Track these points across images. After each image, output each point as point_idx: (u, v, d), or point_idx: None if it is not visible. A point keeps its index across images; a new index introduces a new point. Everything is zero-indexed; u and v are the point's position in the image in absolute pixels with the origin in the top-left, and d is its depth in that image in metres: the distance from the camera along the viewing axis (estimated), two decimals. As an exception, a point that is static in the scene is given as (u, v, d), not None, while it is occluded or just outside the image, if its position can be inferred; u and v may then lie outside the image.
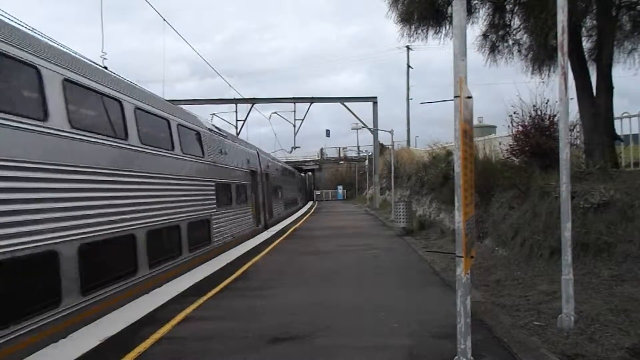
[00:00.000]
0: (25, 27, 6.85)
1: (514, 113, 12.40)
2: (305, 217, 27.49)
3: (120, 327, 5.76)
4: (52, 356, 4.88)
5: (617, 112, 10.94)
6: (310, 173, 65.45)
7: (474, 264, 8.16)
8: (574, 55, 10.22)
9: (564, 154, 5.64)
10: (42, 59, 6.01)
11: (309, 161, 63.32)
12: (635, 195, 7.71)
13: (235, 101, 34.49)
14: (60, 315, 5.72)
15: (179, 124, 10.66)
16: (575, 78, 10.86)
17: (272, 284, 8.46)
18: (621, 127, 10.94)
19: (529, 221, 9.45)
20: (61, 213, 5.96)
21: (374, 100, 34.59)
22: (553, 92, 11.20)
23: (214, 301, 7.22)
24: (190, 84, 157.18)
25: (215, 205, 12.35)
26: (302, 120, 35.92)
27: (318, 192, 63.51)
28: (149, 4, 11.88)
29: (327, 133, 50.95)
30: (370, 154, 42.64)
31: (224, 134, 15.53)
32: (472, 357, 4.00)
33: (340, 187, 62.74)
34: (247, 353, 4.88)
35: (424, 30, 13.17)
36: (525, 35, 12.55)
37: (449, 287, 7.46)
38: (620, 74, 13.53)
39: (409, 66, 40.68)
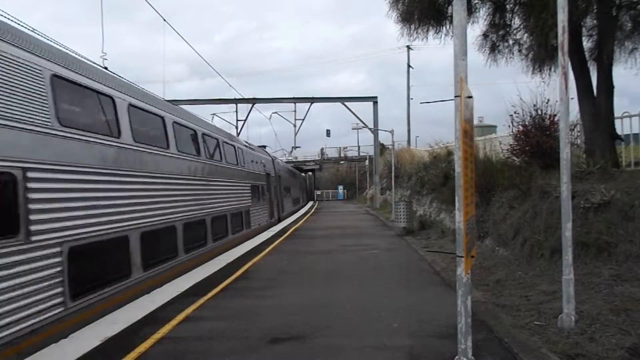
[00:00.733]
0: (25, 27, 6.84)
1: (515, 113, 12.39)
2: (306, 217, 27.49)
3: (121, 327, 5.77)
4: (53, 356, 4.89)
5: (617, 112, 10.95)
6: (310, 173, 65.45)
7: (475, 263, 8.16)
8: (574, 55, 10.21)
9: (565, 153, 5.64)
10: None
11: (310, 161, 63.33)
12: (635, 195, 7.70)
13: (236, 101, 34.51)
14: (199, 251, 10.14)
15: (224, 142, 14.54)
16: (576, 78, 10.85)
17: (272, 284, 8.46)
18: (622, 127, 10.93)
19: (529, 221, 9.44)
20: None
21: (374, 100, 34.59)
22: (554, 91, 11.17)
23: (215, 301, 7.23)
24: (191, 84, 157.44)
25: (250, 201, 16.69)
26: (303, 120, 36.00)
27: (318, 192, 63.52)
28: (149, 4, 11.87)
29: (328, 133, 51.02)
30: (370, 154, 42.65)
31: (252, 147, 20.53)
32: (472, 357, 3.99)
33: (340, 187, 62.75)
34: (247, 353, 4.88)
35: (424, 30, 13.17)
36: (526, 35, 12.53)
37: (449, 286, 7.47)
38: (621, 73, 13.52)
39: (409, 66, 40.71)
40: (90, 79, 7.20)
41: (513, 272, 8.47)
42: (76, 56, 7.67)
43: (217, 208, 12.49)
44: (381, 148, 38.21)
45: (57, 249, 5.74)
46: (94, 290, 6.46)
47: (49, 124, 5.80)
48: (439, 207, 17.30)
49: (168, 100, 11.89)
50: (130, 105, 8.14)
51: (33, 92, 5.62)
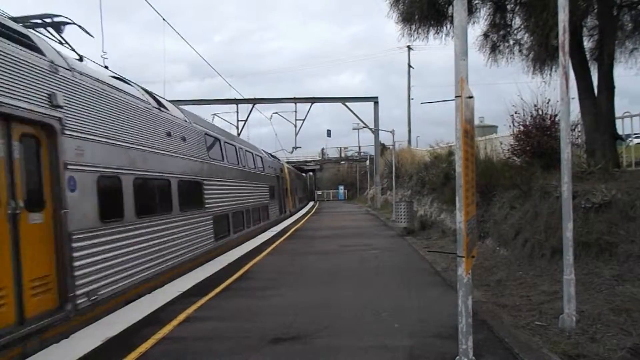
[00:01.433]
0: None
1: (515, 113, 12.40)
2: (307, 217, 27.50)
3: (122, 327, 5.78)
4: (54, 356, 4.89)
5: (618, 112, 10.95)
6: (311, 173, 65.47)
7: (475, 264, 8.15)
8: (575, 55, 10.21)
9: (565, 153, 5.63)
10: (219, 134, 14.41)
11: (310, 161, 63.34)
12: (636, 195, 7.69)
13: (236, 101, 34.50)
14: (229, 239, 13.47)
15: (255, 154, 20.13)
16: (577, 78, 10.85)
17: (273, 284, 8.46)
18: (622, 127, 10.93)
19: (530, 221, 9.44)
20: (231, 199, 14.22)
21: (375, 100, 34.58)
22: (554, 91, 11.18)
23: (215, 301, 7.23)
24: (191, 85, 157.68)
25: (269, 198, 21.48)
26: (303, 120, 35.93)
27: (319, 192, 63.53)
28: (149, 4, 11.87)
29: (328, 133, 50.92)
30: (371, 154, 42.65)
31: (271, 154, 27.28)
32: (473, 357, 3.99)
33: (341, 187, 62.75)
34: (248, 353, 4.88)
35: (425, 30, 13.18)
36: (526, 35, 12.54)
37: (450, 287, 7.47)
38: (622, 73, 13.54)
39: (410, 66, 40.62)
40: (214, 132, 14.01)
41: (514, 272, 8.47)
42: (208, 121, 15.51)
43: (250, 202, 17.36)
44: (382, 148, 38.22)
45: (211, 216, 11.88)
46: (221, 238, 12.65)
47: (206, 157, 12.10)
48: (440, 207, 17.29)
49: (170, 101, 11.89)
50: (225, 142, 14.83)
51: (202, 143, 11.98)
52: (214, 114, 34.78)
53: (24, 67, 5.45)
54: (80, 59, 7.64)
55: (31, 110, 5.44)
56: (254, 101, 34.87)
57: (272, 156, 28.23)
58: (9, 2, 9.45)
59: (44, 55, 5.93)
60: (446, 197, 15.74)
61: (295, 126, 36.09)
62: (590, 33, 11.96)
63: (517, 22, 12.69)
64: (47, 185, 5.74)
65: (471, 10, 12.25)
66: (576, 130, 11.61)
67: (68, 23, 7.56)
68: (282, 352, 4.93)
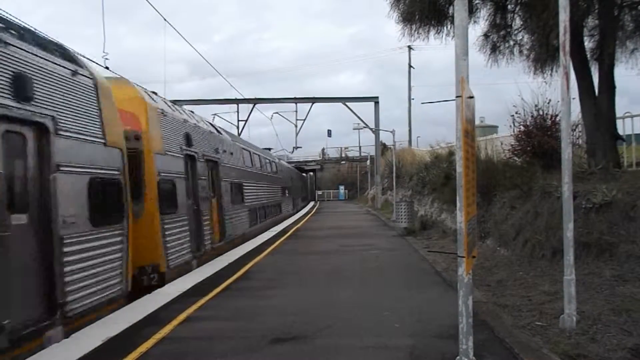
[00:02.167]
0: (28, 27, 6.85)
1: (516, 113, 12.40)
2: (307, 217, 27.52)
3: (122, 327, 5.78)
4: (55, 355, 4.89)
5: (618, 112, 10.94)
6: (312, 173, 65.47)
7: (476, 264, 8.15)
8: (576, 55, 10.19)
9: (566, 153, 5.63)
10: (249, 148, 20.15)
11: (311, 161, 63.34)
12: (637, 195, 7.69)
13: (237, 101, 34.53)
14: (256, 227, 17.69)
15: (271, 160, 25.76)
16: (577, 78, 10.84)
17: (273, 284, 8.47)
18: (623, 127, 10.92)
19: (530, 221, 9.43)
20: (260, 195, 19.75)
21: (375, 100, 34.61)
22: (555, 92, 11.18)
23: (216, 301, 7.23)
24: (191, 84, 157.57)
25: (282, 196, 27.23)
26: (304, 120, 36.03)
27: (320, 192, 63.55)
28: (149, 4, 11.87)
29: (329, 133, 51.04)
30: (371, 154, 42.64)
31: (284, 159, 34.65)
32: (474, 358, 3.99)
33: (341, 187, 62.77)
34: (248, 353, 4.88)
35: (425, 30, 13.17)
36: (527, 35, 12.54)
37: (450, 287, 7.46)
38: (621, 73, 13.52)
39: (410, 66, 40.62)
40: (246, 147, 19.15)
41: (514, 272, 8.47)
42: (241, 138, 23.58)
43: (270, 199, 22.63)
44: (382, 148, 38.20)
45: (247, 208, 16.43)
46: (256, 223, 17.82)
47: (244, 166, 16.78)
48: (440, 207, 17.29)
49: (171, 101, 11.91)
50: (252, 152, 19.76)
51: (240, 156, 16.70)
52: (215, 114, 34.80)
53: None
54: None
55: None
56: (255, 101, 34.90)
57: (284, 161, 37.79)
58: (9, 1, 9.46)
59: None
60: (447, 197, 15.73)
61: (296, 126, 36.20)
62: (591, 33, 11.95)
63: (518, 22, 12.69)
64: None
65: (472, 11, 12.24)
66: (577, 130, 11.60)
67: None
68: (282, 352, 4.93)
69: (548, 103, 11.71)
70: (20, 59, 5.21)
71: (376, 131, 34.33)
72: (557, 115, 11.29)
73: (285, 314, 6.34)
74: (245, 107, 34.94)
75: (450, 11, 12.24)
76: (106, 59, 9.67)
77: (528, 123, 11.96)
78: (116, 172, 7.09)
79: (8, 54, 5.01)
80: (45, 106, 5.52)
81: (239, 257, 11.66)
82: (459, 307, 3.94)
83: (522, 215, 9.93)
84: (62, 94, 5.90)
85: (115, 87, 7.78)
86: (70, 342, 5.28)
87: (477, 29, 13.31)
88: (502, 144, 14.82)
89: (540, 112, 11.85)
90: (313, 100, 35.33)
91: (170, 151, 9.50)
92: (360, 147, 60.78)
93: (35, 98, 5.36)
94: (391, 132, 27.92)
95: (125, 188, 7.27)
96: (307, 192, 55.96)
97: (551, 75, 12.58)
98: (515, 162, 12.63)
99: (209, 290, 7.91)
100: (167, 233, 8.91)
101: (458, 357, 4.00)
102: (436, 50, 54.16)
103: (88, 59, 8.04)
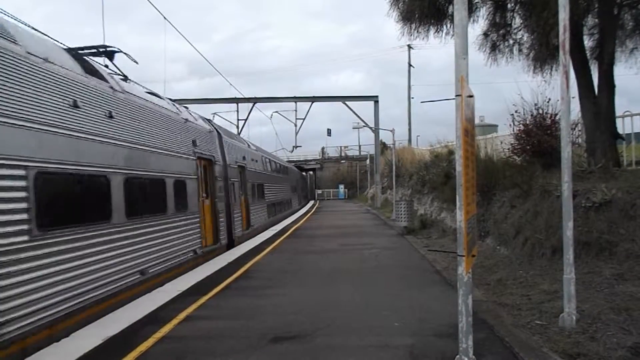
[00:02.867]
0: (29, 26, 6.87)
1: (516, 112, 12.38)
2: (307, 216, 27.52)
3: (122, 326, 5.78)
4: (54, 355, 4.90)
5: (618, 111, 10.94)
6: (311, 172, 65.46)
7: (476, 263, 8.15)
8: (575, 54, 10.19)
9: (566, 152, 5.63)
10: (268, 155, 26.17)
11: (311, 160, 63.32)
12: (637, 194, 7.69)
13: (237, 100, 34.47)
14: (274, 217, 22.78)
15: (283, 165, 31.54)
16: (577, 77, 10.84)
17: (273, 283, 8.47)
18: (623, 126, 10.93)
19: (530, 220, 9.44)
20: (276, 193, 24.88)
21: (375, 99, 34.56)
22: (554, 90, 11.17)
23: (216, 300, 7.23)
24: (190, 84, 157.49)
25: (291, 194, 32.78)
26: (303, 119, 35.92)
27: (319, 192, 63.51)
28: (150, 3, 11.86)
29: (329, 132, 50.84)
30: (371, 153, 42.63)
31: (291, 162, 44.69)
32: (473, 357, 3.99)
33: (341, 187, 62.70)
34: (248, 352, 4.89)
35: (425, 29, 13.17)
36: (527, 34, 12.53)
37: (450, 286, 7.47)
38: (622, 72, 13.52)
39: (410, 65, 40.60)
40: (265, 154, 24.66)
41: (514, 271, 8.47)
42: (261, 147, 25.59)
43: (282, 196, 27.53)
44: (382, 147, 38.17)
45: (266, 204, 21.01)
46: (275, 214, 23.20)
47: (264, 170, 22.11)
48: (440, 206, 17.30)
49: (171, 100, 11.95)
50: (270, 159, 25.46)
51: (261, 162, 21.89)
52: (214, 113, 34.73)
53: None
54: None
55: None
56: (254, 100, 34.85)
57: (296, 166, 46.80)
58: (9, 1, 9.46)
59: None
60: (446, 196, 15.73)
61: (296, 125, 36.10)
62: (591, 32, 11.95)
63: (518, 21, 12.68)
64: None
65: (471, 10, 12.24)
66: (576, 129, 11.60)
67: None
68: (282, 351, 4.94)
69: (548, 102, 11.70)
70: (196, 129, 11.90)
71: (376, 130, 34.30)
72: (556, 114, 11.28)
73: (285, 312, 6.34)
74: (245, 106, 34.88)
75: (450, 10, 12.24)
76: (106, 58, 9.72)
77: (528, 122, 11.94)
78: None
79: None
80: (211, 150, 12.62)
81: (238, 256, 11.66)
82: (458, 306, 3.95)
83: (522, 214, 9.94)
84: (211, 142, 12.94)
85: (199, 124, 12.61)
86: (70, 340, 5.28)
87: (476, 28, 13.33)
88: (501, 143, 14.83)
89: (540, 111, 11.83)
90: (313, 99, 35.27)
91: (231, 164, 14.62)
92: (360, 146, 60.83)
93: (209, 147, 12.55)
94: (391, 131, 27.90)
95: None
96: (308, 191, 56.25)
97: (551, 74, 12.59)
98: (514, 161, 12.63)
99: (208, 289, 7.92)
100: (235, 217, 14.37)
101: (458, 356, 4.00)
102: (435, 49, 54.22)
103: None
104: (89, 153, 6.48)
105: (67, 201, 6.07)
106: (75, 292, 5.86)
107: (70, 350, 4.96)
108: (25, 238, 5.09)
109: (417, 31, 13.25)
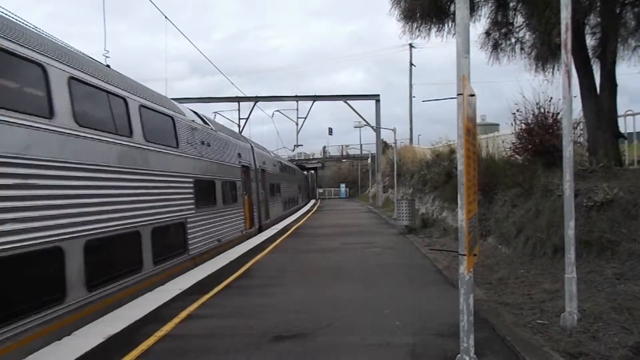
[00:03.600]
0: (29, 26, 6.87)
1: (517, 111, 12.37)
2: (308, 215, 27.53)
3: (124, 325, 5.80)
4: (56, 353, 4.91)
5: (620, 110, 10.92)
6: (313, 171, 65.49)
7: (477, 262, 8.15)
8: (577, 53, 10.18)
9: (568, 151, 5.62)
10: (282, 160, 33.03)
11: (312, 159, 63.36)
12: (639, 194, 7.68)
13: (238, 99, 34.50)
14: (285, 212, 27.70)
15: (292, 167, 38.42)
16: (579, 76, 10.82)
17: (274, 281, 8.48)
18: (625, 125, 10.91)
19: (532, 219, 9.43)
20: (288, 191, 31.06)
21: (376, 98, 34.54)
22: (556, 89, 11.16)
23: (217, 299, 7.25)
24: (191, 82, 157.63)
25: (299, 193, 39.74)
26: (305, 118, 35.94)
27: (321, 190, 63.56)
28: (151, 2, 11.88)
29: (330, 131, 51.12)
30: (372, 152, 42.62)
31: (293, 160, 50.30)
32: (475, 356, 3.99)
33: (342, 185, 62.74)
34: (250, 351, 4.89)
35: (427, 28, 13.16)
36: (528, 33, 12.51)
37: (451, 285, 7.47)
38: (624, 71, 13.48)
39: (411, 64, 40.52)
40: (280, 160, 31.36)
41: (515, 270, 8.47)
42: (276, 154, 35.14)
43: (291, 194, 31.25)
44: (383, 146, 38.18)
45: (280, 200, 26.26)
46: (286, 209, 27.91)
47: (280, 174, 27.78)
48: (442, 205, 17.29)
49: (172, 99, 12.02)
50: (283, 162, 31.68)
51: (278, 166, 27.50)
52: (216, 112, 34.81)
53: None
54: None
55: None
56: (256, 99, 34.88)
57: (298, 165, 50.42)
58: (8, 1, 9.43)
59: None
60: (448, 195, 15.73)
61: (297, 124, 36.10)
62: (593, 31, 11.91)
63: (519, 20, 12.66)
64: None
65: (473, 8, 12.23)
66: (578, 128, 11.59)
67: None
68: (283, 349, 4.94)
69: (549, 101, 11.70)
70: (241, 146, 16.86)
71: (377, 129, 34.30)
72: (558, 113, 11.27)
73: (286, 311, 6.35)
74: (246, 105, 34.91)
75: (452, 9, 12.22)
76: (107, 56, 9.75)
77: (529, 121, 11.93)
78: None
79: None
80: (248, 160, 17.33)
81: (240, 254, 11.68)
82: (460, 305, 3.95)
83: (524, 214, 9.93)
84: (248, 154, 17.64)
85: (241, 142, 17.17)
86: (71, 339, 5.30)
87: (478, 27, 13.31)
88: (503, 142, 14.80)
89: (542, 110, 11.82)
90: (314, 98, 35.26)
91: (262, 167, 19.93)
92: (361, 145, 60.87)
93: (247, 158, 17.20)
94: (392, 130, 27.90)
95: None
96: (310, 189, 56.54)
97: (553, 73, 12.56)
98: (516, 160, 12.61)
99: (210, 287, 7.93)
100: (261, 209, 18.85)
101: (459, 355, 4.00)
102: (437, 48, 54.16)
103: (93, 59, 8.07)
104: (209, 169, 12.01)
105: (202, 194, 11.20)
106: (206, 240, 11.34)
107: (72, 348, 4.97)
108: (193, 211, 10.52)
109: (419, 30, 13.26)
